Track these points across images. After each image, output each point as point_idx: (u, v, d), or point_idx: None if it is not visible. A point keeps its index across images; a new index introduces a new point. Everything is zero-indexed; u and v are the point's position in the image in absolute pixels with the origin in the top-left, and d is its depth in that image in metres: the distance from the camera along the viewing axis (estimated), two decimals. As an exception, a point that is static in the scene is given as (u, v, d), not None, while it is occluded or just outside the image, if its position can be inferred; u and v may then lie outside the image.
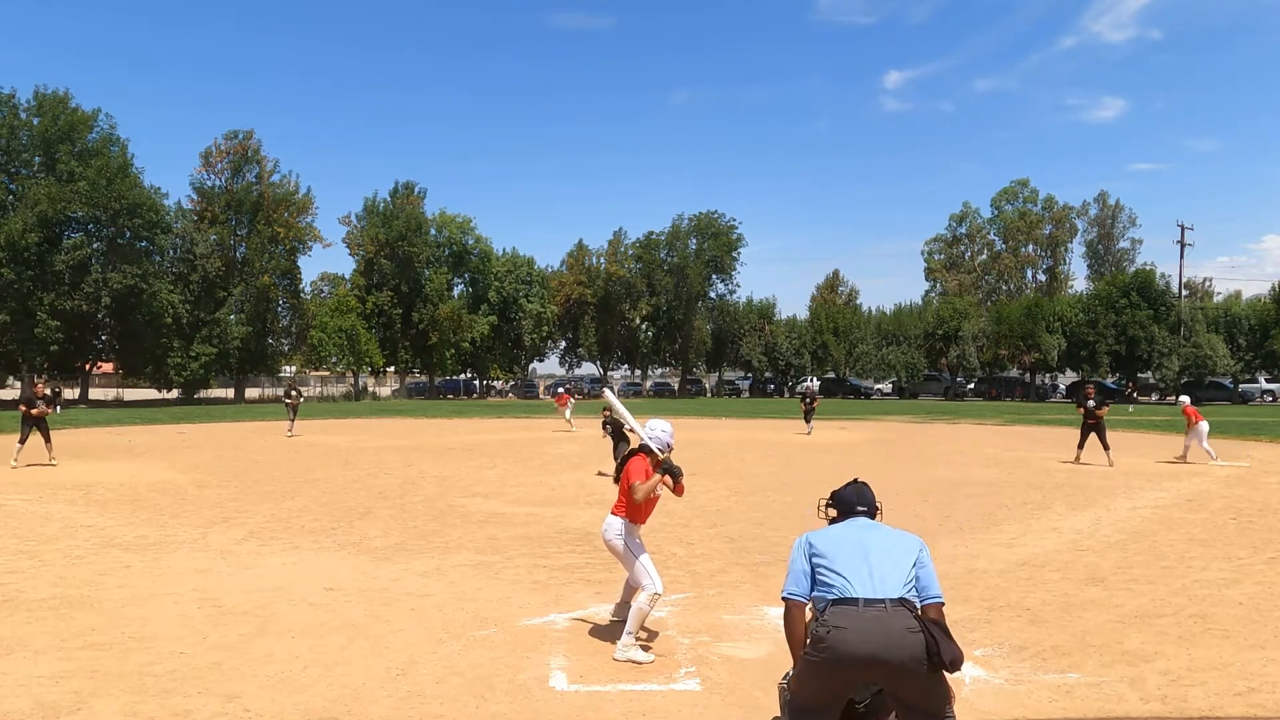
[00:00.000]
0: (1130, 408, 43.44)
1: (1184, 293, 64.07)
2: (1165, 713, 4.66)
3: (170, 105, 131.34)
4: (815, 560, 3.48)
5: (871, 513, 3.76)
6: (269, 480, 15.25)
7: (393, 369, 68.37)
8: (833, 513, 3.86)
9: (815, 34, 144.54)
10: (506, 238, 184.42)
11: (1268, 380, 60.75)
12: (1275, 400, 57.38)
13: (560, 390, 33.42)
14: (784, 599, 3.53)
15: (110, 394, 58.47)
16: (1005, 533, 10.12)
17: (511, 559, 8.68)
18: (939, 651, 3.13)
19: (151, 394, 59.44)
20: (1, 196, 48.33)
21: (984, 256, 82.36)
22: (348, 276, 66.61)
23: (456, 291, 68.80)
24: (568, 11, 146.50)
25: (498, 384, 74.63)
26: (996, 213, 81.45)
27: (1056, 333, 62.53)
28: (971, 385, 68.83)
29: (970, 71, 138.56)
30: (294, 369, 69.60)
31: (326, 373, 64.29)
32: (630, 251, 73.03)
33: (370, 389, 68.44)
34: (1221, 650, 5.68)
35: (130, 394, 59.88)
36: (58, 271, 47.11)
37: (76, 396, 53.79)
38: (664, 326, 74.21)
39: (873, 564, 3.37)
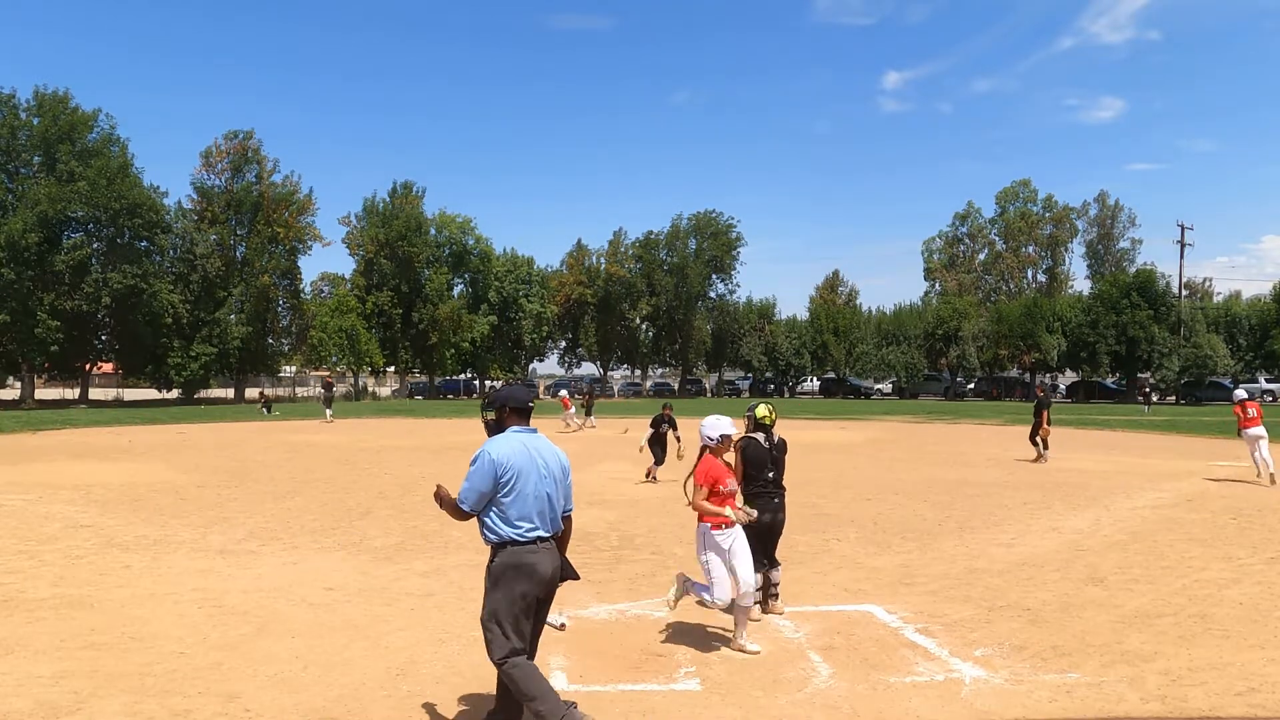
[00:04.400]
0: (1146, 408, 43.39)
1: (1184, 293, 64.02)
2: (1165, 713, 4.66)
3: (169, 105, 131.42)
4: (502, 490, 4.06)
5: (530, 411, 4.36)
6: (269, 480, 15.25)
7: (393, 369, 68.33)
8: (490, 415, 4.37)
9: (814, 34, 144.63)
10: (506, 238, 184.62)
11: (1268, 380, 60.70)
12: (1275, 400, 57.35)
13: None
14: (463, 509, 4.11)
15: (110, 394, 58.46)
16: (1005, 533, 10.13)
17: (511, 559, 8.67)
18: (569, 566, 4.31)
19: (151, 394, 59.43)
20: (1, 196, 48.27)
21: (984, 255, 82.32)
22: (348, 276, 66.63)
23: (456, 291, 68.72)
24: (568, 12, 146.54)
25: (498, 384, 74.55)
26: (1001, 211, 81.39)
27: (1056, 333, 62.50)
28: (971, 385, 68.79)
29: (969, 72, 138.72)
30: (294, 369, 69.56)
31: (327, 372, 64.24)
32: (630, 251, 73.03)
33: (370, 389, 68.41)
34: (1221, 650, 5.68)
35: (130, 394, 59.89)
36: (58, 271, 47.08)
37: (77, 396, 53.82)
38: (664, 326, 74.19)
39: (546, 508, 4.16)
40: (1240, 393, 16.13)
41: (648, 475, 15.28)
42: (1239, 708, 4.72)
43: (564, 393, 32.38)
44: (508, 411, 4.30)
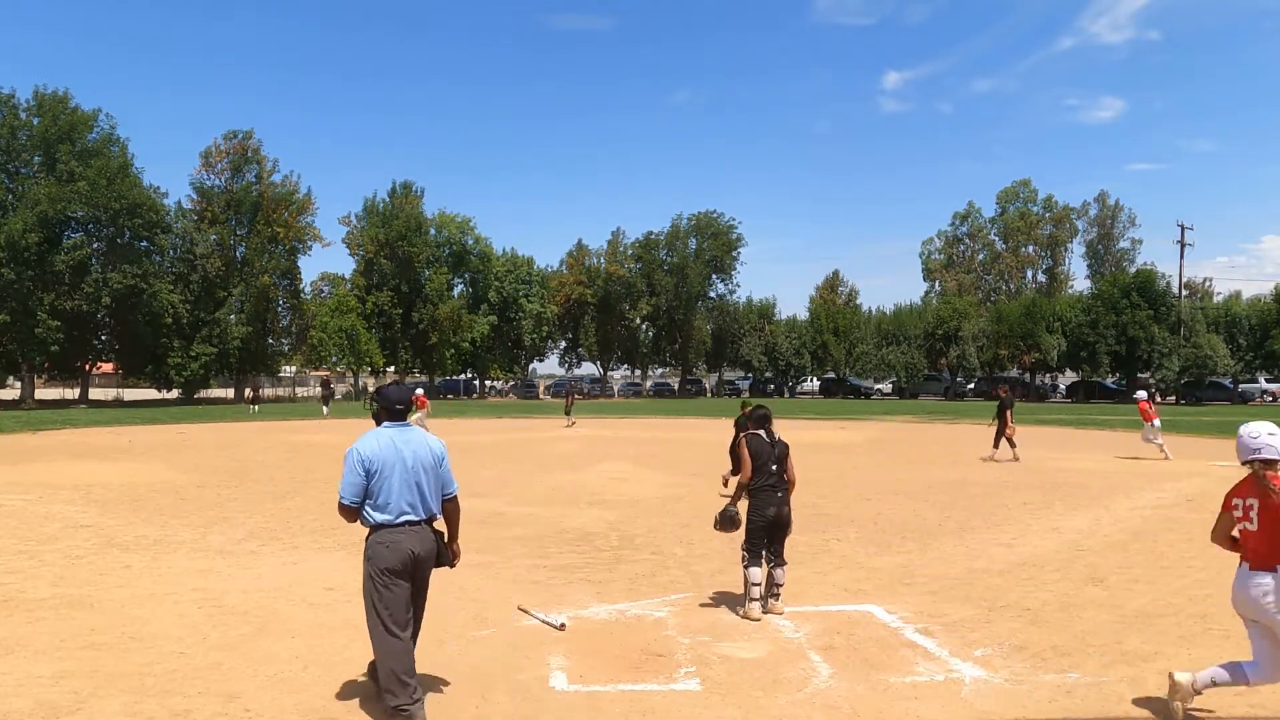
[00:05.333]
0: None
1: (1184, 293, 63.97)
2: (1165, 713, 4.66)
3: (169, 105, 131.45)
4: (371, 479, 4.52)
5: (408, 409, 4.79)
6: (269, 480, 15.25)
7: (393, 369, 68.41)
8: (375, 405, 4.82)
9: (814, 34, 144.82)
10: (506, 238, 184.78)
11: (1268, 380, 60.66)
12: (1275, 400, 57.33)
13: None
14: (344, 504, 4.54)
15: (110, 394, 58.45)
16: (1005, 533, 10.12)
17: (511, 559, 8.67)
18: (444, 553, 4.78)
19: (151, 394, 59.42)
20: (1, 196, 48.24)
21: (984, 256, 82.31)
22: (348, 276, 66.62)
23: (456, 291, 68.71)
24: (568, 12, 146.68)
25: (498, 384, 74.57)
26: (1001, 211, 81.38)
27: (1056, 333, 62.47)
28: (971, 385, 68.76)
29: (969, 72, 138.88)
30: (294, 369, 69.53)
31: (327, 372, 64.26)
32: (630, 251, 73.04)
33: (370, 389, 68.40)
34: (1221, 650, 5.67)
35: (130, 394, 59.87)
36: (58, 271, 47.04)
37: (77, 396, 53.81)
38: (664, 326, 74.19)
39: (416, 495, 4.58)
40: (1142, 393, 20.35)
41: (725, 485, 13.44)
42: (1239, 708, 4.72)
43: (419, 391, 32.57)
44: (381, 409, 4.76)
